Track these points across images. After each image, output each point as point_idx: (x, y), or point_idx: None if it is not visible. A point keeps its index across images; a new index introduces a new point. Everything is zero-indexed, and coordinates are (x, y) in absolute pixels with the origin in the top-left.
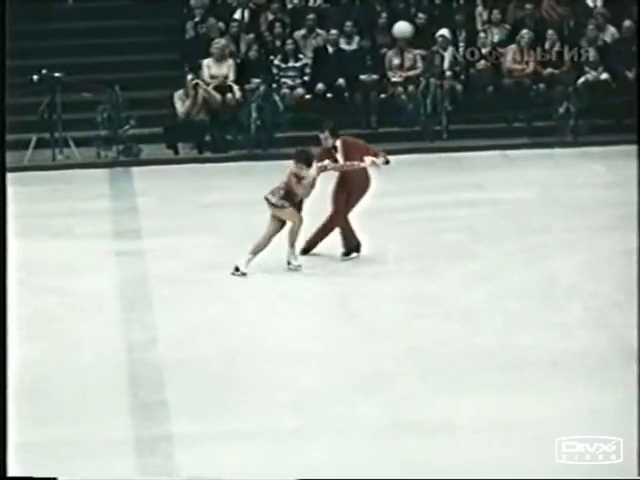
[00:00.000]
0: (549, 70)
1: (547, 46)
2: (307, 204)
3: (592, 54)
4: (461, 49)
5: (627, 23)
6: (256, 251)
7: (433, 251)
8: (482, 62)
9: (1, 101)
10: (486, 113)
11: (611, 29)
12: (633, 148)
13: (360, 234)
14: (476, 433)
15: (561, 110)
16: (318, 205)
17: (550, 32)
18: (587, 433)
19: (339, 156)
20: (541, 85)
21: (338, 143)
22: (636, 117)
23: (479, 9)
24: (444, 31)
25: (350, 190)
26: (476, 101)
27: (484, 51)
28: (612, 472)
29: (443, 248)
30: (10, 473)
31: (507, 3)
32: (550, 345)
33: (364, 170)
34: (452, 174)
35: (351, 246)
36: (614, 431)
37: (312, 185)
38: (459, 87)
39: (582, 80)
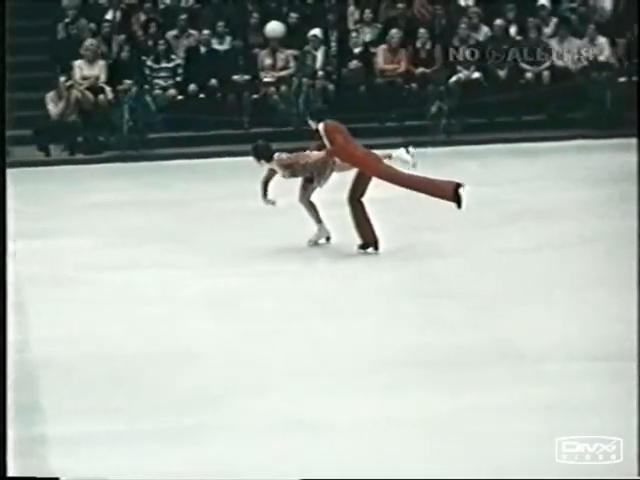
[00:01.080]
0: (421, 69)
1: (419, 45)
2: None
3: (464, 53)
4: (333, 49)
5: (498, 22)
6: (317, 219)
7: (311, 249)
8: (354, 62)
9: (1, 101)
10: (358, 113)
11: (484, 28)
12: (508, 146)
13: (264, 232)
14: (364, 431)
15: (433, 109)
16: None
17: (422, 31)
18: (470, 432)
19: (325, 141)
20: (413, 84)
21: (320, 127)
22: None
23: (351, 8)
24: (316, 31)
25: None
26: (348, 101)
27: (356, 51)
28: (612, 472)
29: (321, 247)
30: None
31: (379, 2)
32: (432, 343)
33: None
34: None
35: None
36: (494, 431)
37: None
38: (331, 87)
39: (454, 79)
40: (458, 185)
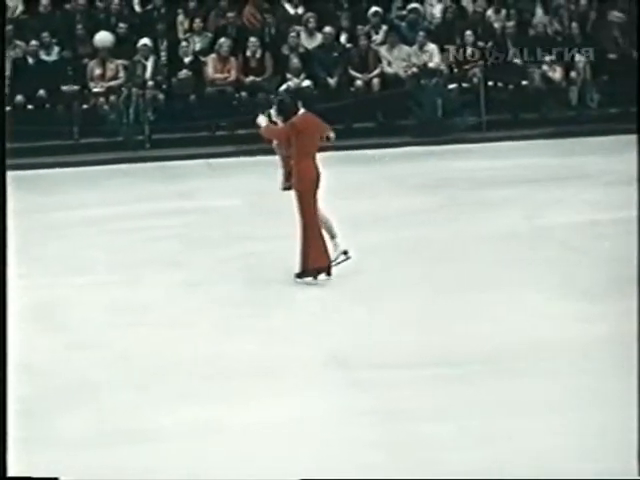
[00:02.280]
0: (251, 78)
1: (249, 54)
2: None
3: (294, 61)
4: (163, 58)
5: (327, 29)
6: (331, 234)
7: (142, 260)
8: (184, 71)
9: (1, 102)
10: (189, 122)
11: (318, 36)
12: (339, 154)
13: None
14: (187, 441)
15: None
16: None
17: (252, 39)
18: (301, 440)
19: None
20: (243, 93)
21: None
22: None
23: (180, 17)
24: (145, 40)
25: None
26: (179, 110)
27: (186, 60)
28: (612, 472)
29: (152, 257)
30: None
31: (208, 11)
32: (259, 352)
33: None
34: (157, 183)
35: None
36: (321, 437)
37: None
38: (161, 96)
39: (284, 87)
40: None
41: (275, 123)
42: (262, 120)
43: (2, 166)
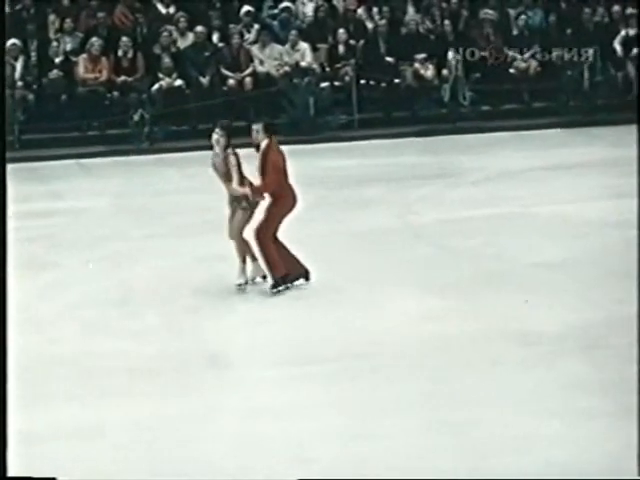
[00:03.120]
0: (123, 77)
1: (120, 53)
2: None
3: (166, 60)
4: (33, 58)
5: (199, 29)
6: (241, 256)
7: (11, 261)
8: (55, 71)
9: (1, 101)
10: (60, 122)
11: (190, 35)
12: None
13: None
14: (57, 441)
15: (136, 117)
16: None
17: (124, 39)
18: (178, 436)
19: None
20: (115, 93)
21: (264, 144)
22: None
23: (51, 17)
24: (15, 40)
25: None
26: (49, 110)
27: (57, 60)
28: (612, 472)
29: (22, 258)
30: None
31: (79, 11)
32: (127, 351)
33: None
34: (27, 184)
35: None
36: (203, 435)
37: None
38: (31, 97)
39: (156, 87)
40: None
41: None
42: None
43: (2, 163)
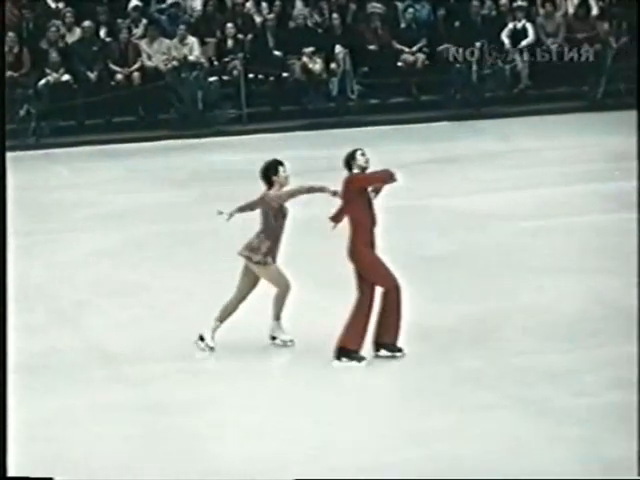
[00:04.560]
0: (9, 73)
1: (6, 49)
2: None
3: (53, 55)
4: None
5: (86, 23)
6: (223, 317)
7: None
8: None
9: (1, 100)
10: None
11: (77, 30)
12: (98, 148)
13: None
14: None
15: (22, 112)
16: None
17: (10, 35)
18: (68, 432)
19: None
20: None
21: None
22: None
23: None
24: None
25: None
26: None
27: None
28: (612, 472)
29: None
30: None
31: None
32: (18, 348)
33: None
34: None
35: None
36: (94, 430)
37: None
38: None
39: (43, 82)
40: None
41: None
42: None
43: (2, 161)
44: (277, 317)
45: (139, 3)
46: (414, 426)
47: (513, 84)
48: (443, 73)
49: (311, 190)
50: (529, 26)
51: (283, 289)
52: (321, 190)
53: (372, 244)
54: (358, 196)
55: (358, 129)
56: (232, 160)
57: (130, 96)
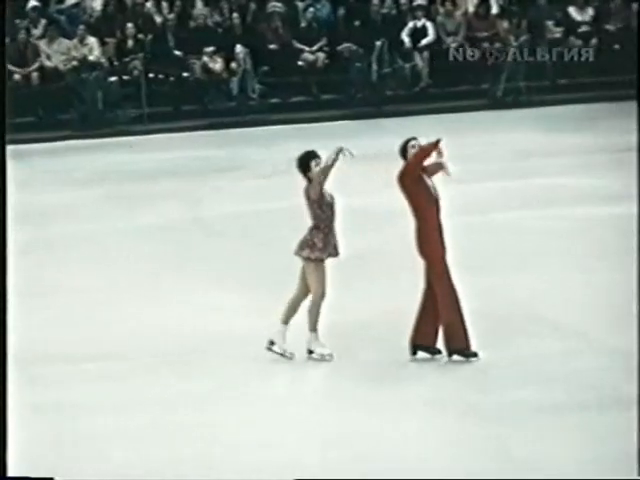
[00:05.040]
0: None
1: None
2: None
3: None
4: None
5: None
6: (287, 319)
7: None
8: None
9: (1, 98)
10: None
11: None
12: None
13: None
14: None
15: None
16: None
17: None
18: None
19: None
20: None
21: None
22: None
23: None
24: None
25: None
26: None
27: None
28: (612, 472)
29: None
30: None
31: None
32: None
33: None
34: None
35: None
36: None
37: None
38: None
39: None
40: None
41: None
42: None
43: (2, 159)
44: (313, 328)
45: (37, 3)
46: (332, 426)
47: (414, 83)
48: (343, 72)
49: (330, 163)
50: (429, 25)
51: (317, 297)
52: (336, 156)
53: (441, 234)
54: (415, 185)
55: (259, 128)
56: (134, 160)
57: (29, 96)
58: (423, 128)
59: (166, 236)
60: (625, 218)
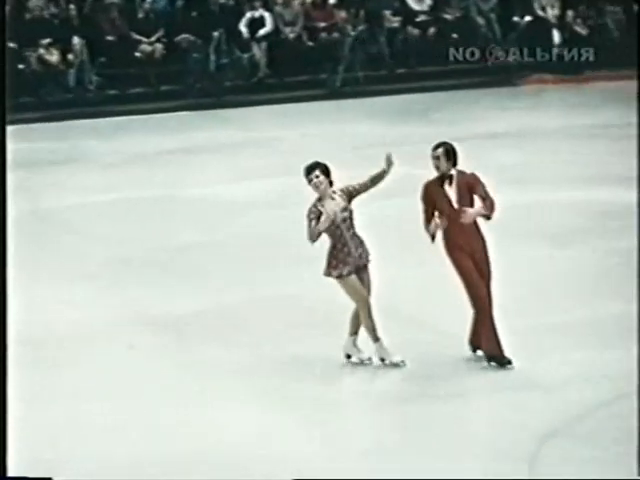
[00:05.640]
0: None
1: None
2: None
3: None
4: None
5: None
6: (354, 330)
7: None
8: None
9: (1, 95)
10: None
11: None
12: None
13: None
14: None
15: None
16: None
17: None
18: None
19: (451, 192)
20: None
21: (454, 172)
22: None
23: None
24: None
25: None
26: None
27: None
28: (612, 472)
29: None
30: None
31: None
32: None
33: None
34: None
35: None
36: None
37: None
38: None
39: None
40: None
41: None
42: None
43: (2, 158)
44: (351, 333)
45: None
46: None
47: (252, 73)
48: (182, 63)
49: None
50: (267, 15)
51: (361, 309)
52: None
53: (466, 237)
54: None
55: (99, 120)
56: None
57: None
58: (263, 118)
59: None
60: None
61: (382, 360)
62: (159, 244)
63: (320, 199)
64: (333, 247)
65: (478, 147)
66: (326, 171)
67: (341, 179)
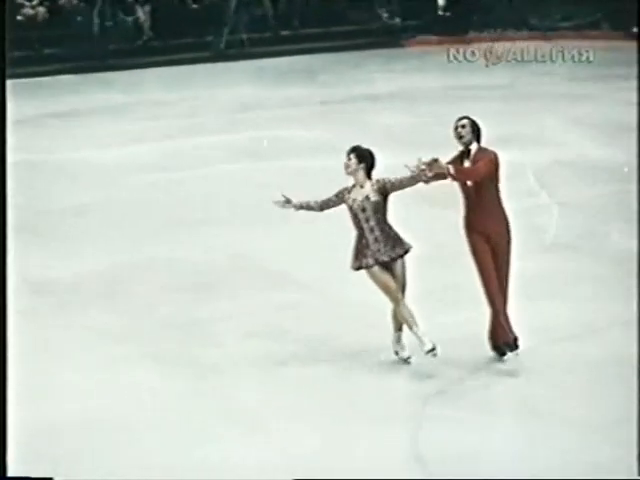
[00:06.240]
0: None
1: None
2: None
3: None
4: None
5: None
6: (398, 326)
7: None
8: None
9: (1, 91)
10: None
11: None
12: None
13: None
14: None
15: None
16: None
17: None
18: None
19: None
20: None
21: (474, 147)
22: None
23: None
24: None
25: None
26: None
27: None
28: (612, 472)
29: None
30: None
31: None
32: None
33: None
34: None
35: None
36: None
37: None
38: None
39: None
40: None
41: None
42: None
43: (2, 157)
44: (396, 329)
45: None
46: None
47: (137, 36)
48: (65, 26)
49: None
50: None
51: (393, 301)
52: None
53: (484, 219)
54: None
55: None
56: None
57: None
58: (148, 81)
59: None
60: (336, 170)
61: (396, 353)
62: (39, 208)
63: (354, 184)
64: (356, 237)
65: (363, 109)
66: (361, 157)
67: (226, 142)
